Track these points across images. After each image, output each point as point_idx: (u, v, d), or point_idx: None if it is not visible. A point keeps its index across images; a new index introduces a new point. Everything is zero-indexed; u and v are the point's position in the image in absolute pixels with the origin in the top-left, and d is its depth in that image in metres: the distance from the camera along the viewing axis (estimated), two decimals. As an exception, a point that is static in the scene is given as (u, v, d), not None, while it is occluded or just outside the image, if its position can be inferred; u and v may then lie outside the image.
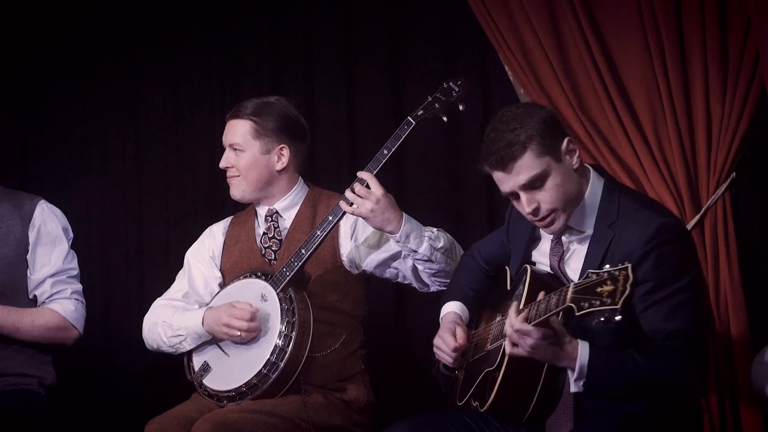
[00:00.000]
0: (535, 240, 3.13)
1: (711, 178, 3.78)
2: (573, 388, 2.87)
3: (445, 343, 3.16)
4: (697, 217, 3.77)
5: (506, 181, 2.94)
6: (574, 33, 3.86)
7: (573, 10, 3.85)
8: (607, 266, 2.68)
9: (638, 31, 3.80)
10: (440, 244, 3.42)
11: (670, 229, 2.90)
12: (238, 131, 3.60)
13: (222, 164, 3.64)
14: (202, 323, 3.52)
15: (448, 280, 3.46)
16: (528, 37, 3.95)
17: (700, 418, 3.06)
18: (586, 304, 2.65)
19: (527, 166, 2.90)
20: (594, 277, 2.67)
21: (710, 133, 3.77)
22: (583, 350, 2.83)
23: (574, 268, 2.99)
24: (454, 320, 3.23)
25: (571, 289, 2.70)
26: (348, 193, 3.38)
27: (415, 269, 3.51)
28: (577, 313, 2.67)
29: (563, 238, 3.04)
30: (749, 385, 3.64)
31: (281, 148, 3.60)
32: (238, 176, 3.61)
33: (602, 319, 2.67)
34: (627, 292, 2.59)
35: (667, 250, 2.85)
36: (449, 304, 3.29)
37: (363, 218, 3.40)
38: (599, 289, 2.64)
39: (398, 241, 3.38)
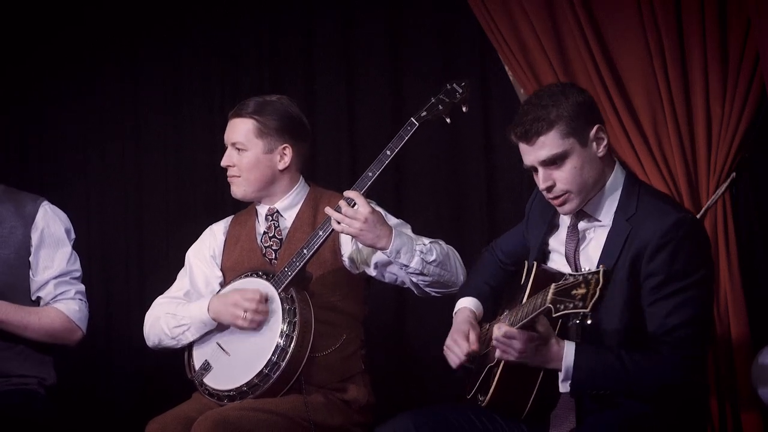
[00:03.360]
0: (553, 227, 3.15)
1: (711, 178, 3.78)
2: (561, 389, 2.90)
3: (459, 347, 3.14)
4: (697, 217, 3.77)
5: (528, 154, 2.99)
6: (574, 33, 3.87)
7: (573, 10, 3.85)
8: (587, 267, 2.72)
9: (638, 31, 3.80)
10: (432, 257, 3.42)
11: (686, 224, 2.92)
12: (241, 130, 3.59)
13: (224, 163, 3.63)
14: (208, 310, 3.52)
15: (446, 290, 3.46)
16: (528, 37, 3.95)
17: (704, 421, 3.06)
18: (562, 306, 2.69)
19: (550, 143, 2.94)
20: (571, 279, 2.71)
21: (710, 133, 3.77)
22: (568, 351, 2.86)
23: (590, 257, 3.00)
24: (468, 319, 3.22)
25: (551, 290, 2.74)
26: (334, 214, 3.38)
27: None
28: (554, 315, 2.71)
29: (579, 226, 3.06)
30: (749, 385, 3.64)
31: (284, 148, 3.60)
32: (240, 176, 3.61)
33: (577, 321, 2.70)
34: (596, 296, 2.63)
35: (681, 246, 2.88)
36: (463, 300, 3.29)
37: (353, 237, 3.41)
38: (574, 292, 2.67)
39: (389, 257, 3.39)
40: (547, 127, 2.93)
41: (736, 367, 3.73)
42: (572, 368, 2.85)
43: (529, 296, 2.96)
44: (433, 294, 3.51)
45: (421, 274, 3.42)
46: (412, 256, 3.39)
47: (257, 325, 3.45)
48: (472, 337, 3.16)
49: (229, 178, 3.64)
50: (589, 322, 2.67)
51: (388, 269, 3.54)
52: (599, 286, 2.63)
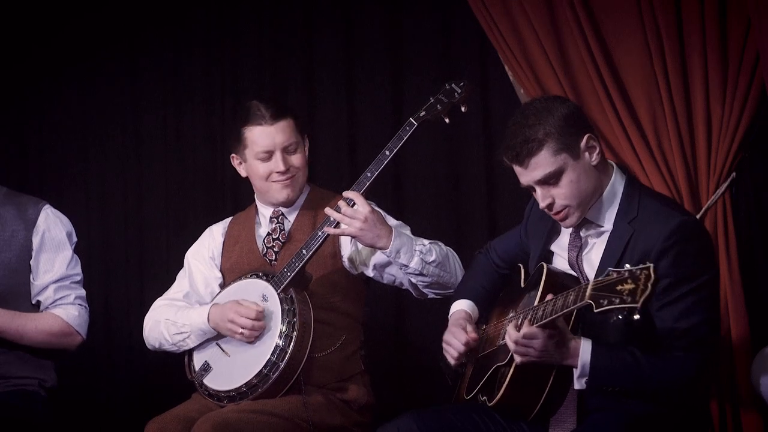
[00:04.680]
0: (554, 233, 3.15)
1: (711, 178, 3.78)
2: (576, 386, 2.90)
3: (456, 338, 3.16)
4: (697, 217, 3.77)
5: (523, 176, 3.00)
6: (574, 33, 3.86)
7: (573, 10, 3.84)
8: (627, 265, 2.69)
9: (638, 31, 3.80)
10: (432, 258, 3.42)
11: (690, 227, 2.93)
12: (290, 130, 3.57)
13: (282, 167, 3.54)
14: (208, 319, 3.52)
15: (445, 291, 3.47)
16: (528, 37, 3.95)
17: (705, 420, 3.06)
18: (606, 302, 2.67)
19: (543, 162, 2.94)
20: (614, 275, 2.69)
21: (710, 133, 3.77)
22: (585, 348, 2.86)
23: (592, 263, 3.00)
24: (464, 317, 3.23)
25: (590, 287, 2.72)
26: (334, 214, 3.38)
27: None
28: (596, 310, 2.69)
29: (581, 232, 3.06)
30: (749, 385, 3.64)
31: (306, 140, 3.63)
32: (295, 176, 3.58)
33: (620, 317, 2.70)
34: (648, 292, 2.61)
35: (685, 248, 2.88)
36: (459, 302, 3.29)
37: (353, 237, 3.41)
38: (619, 287, 2.65)
39: (389, 257, 3.39)
40: (537, 147, 2.93)
41: (735, 367, 3.73)
42: (589, 365, 2.85)
43: (542, 296, 2.95)
44: (432, 295, 3.52)
45: (421, 274, 3.42)
46: (411, 256, 3.39)
47: (255, 337, 3.46)
48: (469, 328, 3.17)
49: (284, 183, 3.57)
50: (636, 317, 2.68)
51: (387, 270, 3.54)
52: (650, 282, 2.62)
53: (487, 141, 4.36)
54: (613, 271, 2.70)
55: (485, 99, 4.35)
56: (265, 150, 3.56)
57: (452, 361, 3.19)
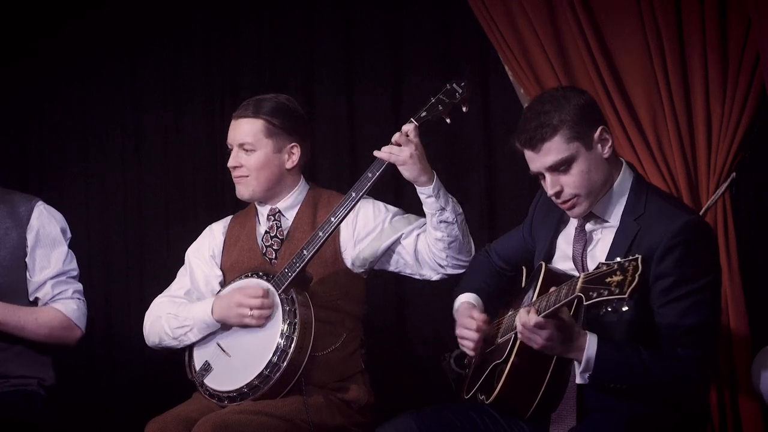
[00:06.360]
0: (562, 223, 3.15)
1: (711, 178, 3.78)
2: (578, 380, 2.89)
3: (467, 328, 3.15)
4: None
5: (534, 161, 3.00)
6: (574, 33, 3.87)
7: (573, 10, 3.85)
8: (618, 258, 2.70)
9: (638, 31, 3.81)
10: (460, 210, 3.43)
11: (695, 227, 2.93)
12: (250, 130, 3.58)
13: (231, 164, 3.61)
14: (212, 312, 3.52)
15: (459, 259, 3.45)
16: (528, 37, 3.95)
17: (705, 420, 3.07)
18: (595, 294, 2.68)
19: (555, 149, 2.95)
20: (604, 267, 2.70)
21: (710, 133, 3.77)
22: (591, 342, 2.86)
23: (597, 259, 3.00)
24: (470, 307, 3.23)
25: (581, 279, 2.73)
26: (384, 151, 3.37)
27: (416, 251, 3.51)
28: (586, 302, 2.70)
29: (587, 227, 3.07)
30: (749, 385, 3.64)
31: (292, 147, 3.60)
32: (248, 176, 3.60)
33: (609, 309, 2.71)
34: (635, 282, 2.62)
35: (691, 248, 2.88)
36: (462, 296, 3.29)
37: (400, 165, 3.37)
38: (608, 279, 2.67)
39: (431, 195, 3.37)
40: (551, 132, 2.94)
41: (736, 366, 3.73)
42: (594, 359, 2.85)
43: (539, 294, 2.95)
44: (441, 271, 3.50)
45: (452, 223, 3.40)
46: (448, 200, 3.39)
47: (265, 320, 3.45)
48: (476, 314, 3.17)
49: (235, 179, 3.62)
50: (625, 308, 2.70)
51: (396, 250, 3.54)
52: (638, 273, 2.63)
53: (487, 141, 4.37)
54: (603, 264, 2.72)
55: (485, 99, 4.35)
56: (228, 142, 3.62)
57: (471, 353, 3.18)
